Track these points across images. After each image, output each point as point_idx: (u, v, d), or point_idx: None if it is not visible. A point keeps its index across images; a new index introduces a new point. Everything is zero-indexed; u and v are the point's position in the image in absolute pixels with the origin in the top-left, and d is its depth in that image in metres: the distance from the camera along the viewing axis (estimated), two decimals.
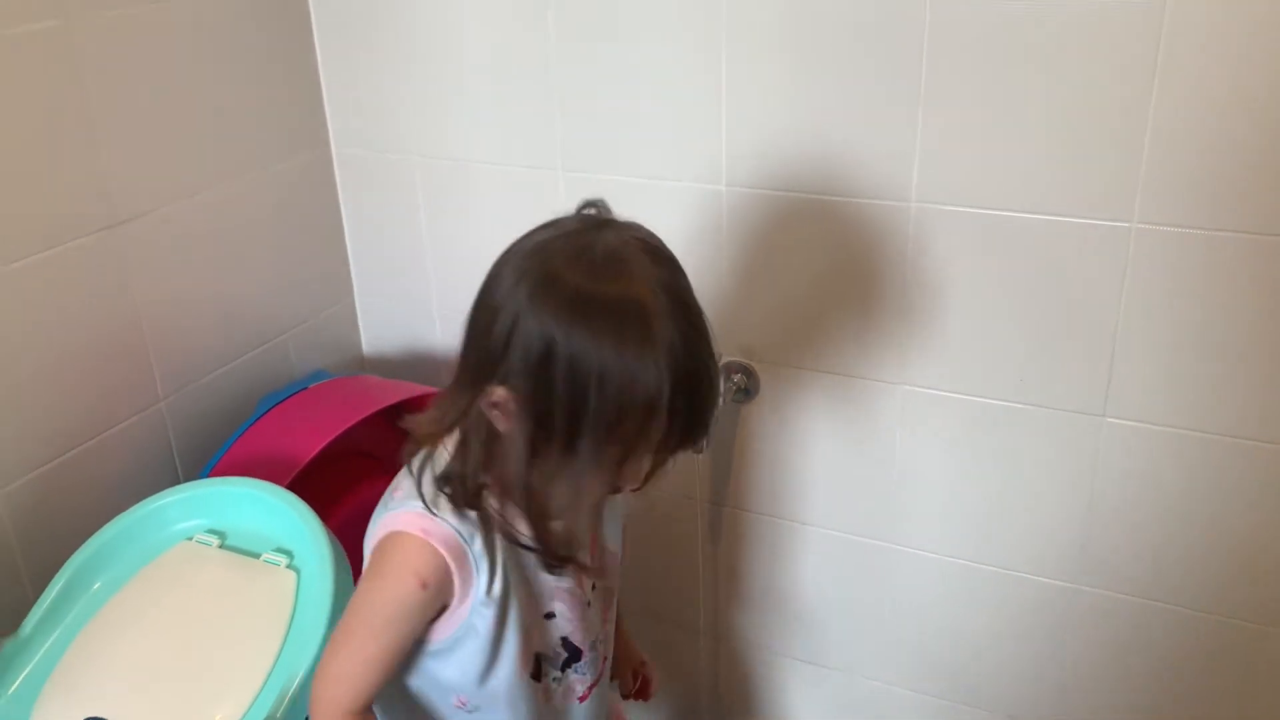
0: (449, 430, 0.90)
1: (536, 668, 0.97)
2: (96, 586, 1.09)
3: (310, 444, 1.19)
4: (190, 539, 1.11)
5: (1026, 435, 1.22)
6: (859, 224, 1.20)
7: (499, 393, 0.82)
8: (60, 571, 1.08)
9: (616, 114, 1.28)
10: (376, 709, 0.93)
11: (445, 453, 0.91)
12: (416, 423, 0.90)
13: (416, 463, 0.91)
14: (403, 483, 0.92)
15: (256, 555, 1.08)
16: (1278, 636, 1.19)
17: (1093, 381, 1.16)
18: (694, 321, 0.83)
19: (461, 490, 0.89)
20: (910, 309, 1.22)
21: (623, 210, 1.33)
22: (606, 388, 0.79)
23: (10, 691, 1.01)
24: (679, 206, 1.29)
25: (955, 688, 1.42)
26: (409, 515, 0.88)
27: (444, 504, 0.88)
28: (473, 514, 0.89)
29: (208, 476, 1.25)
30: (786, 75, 1.17)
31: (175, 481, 1.30)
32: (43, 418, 1.15)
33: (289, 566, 1.06)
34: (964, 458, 1.27)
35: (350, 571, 1.04)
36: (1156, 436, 1.16)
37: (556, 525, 0.90)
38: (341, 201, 1.52)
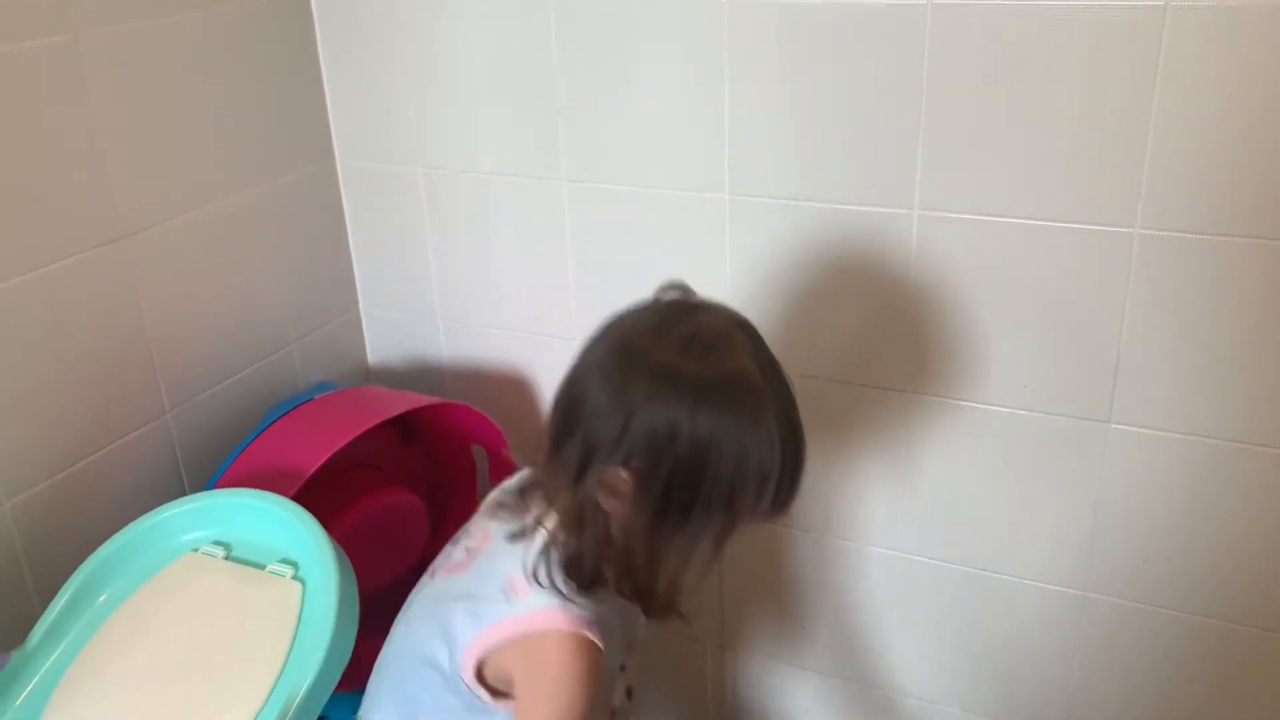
0: (564, 510, 0.93)
1: None
2: (102, 598, 1.09)
3: (315, 455, 1.19)
4: (196, 550, 1.11)
5: (1031, 442, 1.22)
6: (862, 231, 1.20)
7: (618, 476, 0.86)
8: (66, 583, 1.08)
9: (620, 124, 1.28)
10: None
11: (541, 535, 0.94)
12: (525, 515, 0.95)
13: (532, 556, 0.94)
14: (516, 573, 0.94)
15: (262, 566, 1.08)
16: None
17: (1097, 388, 1.16)
18: (789, 391, 0.90)
19: (583, 572, 0.92)
20: (913, 316, 1.22)
21: (626, 219, 1.34)
22: (726, 462, 0.84)
23: (17, 704, 1.01)
24: (683, 216, 1.29)
25: (962, 696, 1.41)
26: (556, 614, 0.91)
27: (574, 591, 0.92)
28: (598, 590, 0.93)
29: (213, 488, 1.25)
30: (788, 83, 1.18)
31: (181, 493, 1.30)
32: (49, 430, 1.16)
33: (294, 578, 1.06)
34: (968, 465, 1.27)
35: (355, 582, 1.04)
36: (1162, 442, 1.16)
37: (665, 585, 0.92)
38: (346, 213, 1.53)
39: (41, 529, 1.16)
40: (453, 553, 1.07)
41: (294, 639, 1.02)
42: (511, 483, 1.08)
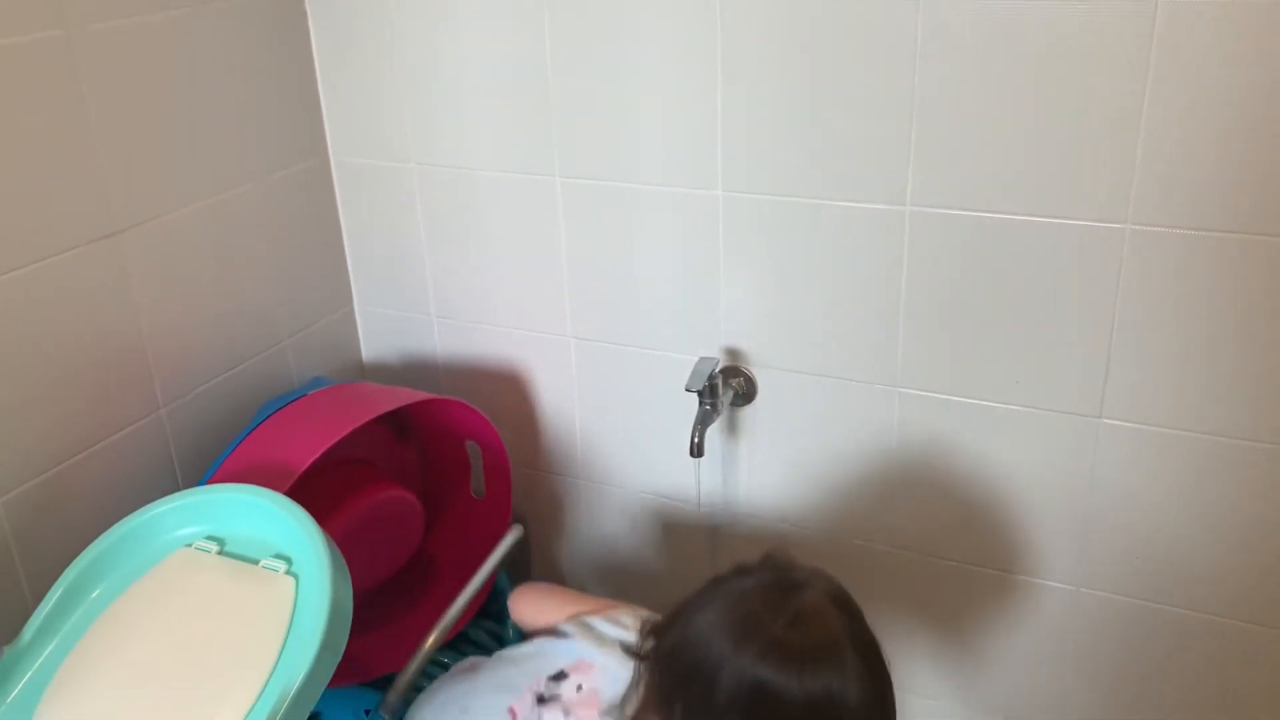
0: None
1: None
2: (96, 593, 1.09)
3: (309, 451, 1.19)
4: (189, 545, 1.11)
5: (1022, 437, 1.22)
6: (854, 228, 1.21)
7: None
8: (60, 579, 1.08)
9: (613, 120, 1.28)
10: None
11: None
12: None
13: None
14: None
15: (255, 562, 1.08)
16: (1276, 637, 1.19)
17: (1088, 383, 1.17)
18: (880, 667, 0.91)
19: None
20: (905, 312, 1.22)
21: (619, 215, 1.34)
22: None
23: (10, 699, 1.01)
24: (676, 212, 1.29)
25: (954, 690, 1.42)
26: None
27: None
28: None
29: (207, 484, 1.25)
30: (781, 80, 1.18)
31: (175, 488, 1.30)
32: (43, 425, 1.16)
33: (287, 572, 1.06)
34: (961, 460, 1.27)
35: (349, 577, 1.04)
36: (1152, 437, 1.16)
37: None
38: (340, 209, 1.53)
39: (35, 524, 1.16)
40: None
41: (287, 634, 1.02)
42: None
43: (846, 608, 0.93)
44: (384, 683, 1.36)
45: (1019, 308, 1.17)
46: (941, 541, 1.33)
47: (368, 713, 1.32)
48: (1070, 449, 1.21)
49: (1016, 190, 1.12)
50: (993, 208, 1.13)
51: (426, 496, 1.44)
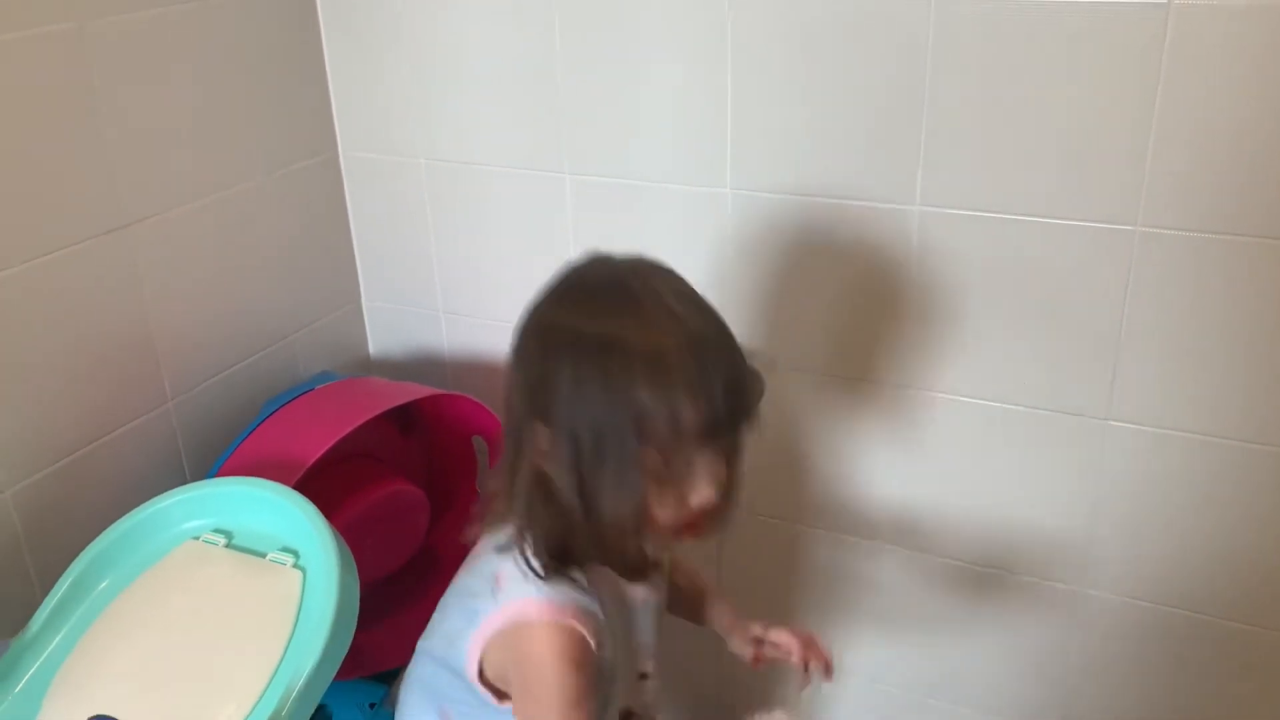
0: (514, 495, 0.92)
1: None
2: (103, 585, 1.09)
3: (316, 445, 1.19)
4: (197, 538, 1.12)
5: (1031, 438, 1.22)
6: (863, 228, 1.21)
7: (540, 436, 0.87)
8: (67, 570, 1.08)
9: (622, 117, 1.28)
10: None
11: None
12: (488, 502, 0.95)
13: (505, 541, 0.94)
14: (501, 568, 0.94)
15: (262, 555, 1.09)
16: None
17: (1096, 385, 1.17)
18: (698, 317, 0.88)
19: (550, 550, 0.92)
20: (914, 313, 1.22)
21: (628, 212, 1.34)
22: (619, 397, 0.83)
23: (17, 690, 1.02)
24: (683, 210, 1.29)
25: (961, 692, 1.42)
26: (535, 604, 0.91)
27: (553, 576, 0.92)
28: (580, 575, 0.93)
29: (215, 476, 1.25)
30: (790, 78, 1.18)
31: (182, 481, 1.31)
32: (51, 417, 1.16)
33: (295, 566, 1.07)
34: (970, 461, 1.27)
35: (355, 571, 1.04)
36: (1160, 440, 1.16)
37: (621, 535, 0.92)
38: (349, 204, 1.53)
39: (43, 516, 1.16)
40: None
41: (294, 627, 1.02)
42: None
43: (644, 273, 0.91)
44: (389, 676, 1.37)
45: (1026, 309, 1.17)
46: (943, 541, 1.33)
47: (372, 706, 1.32)
48: (1077, 451, 1.20)
49: (1026, 191, 1.12)
50: (1002, 209, 1.13)
51: (432, 491, 1.44)
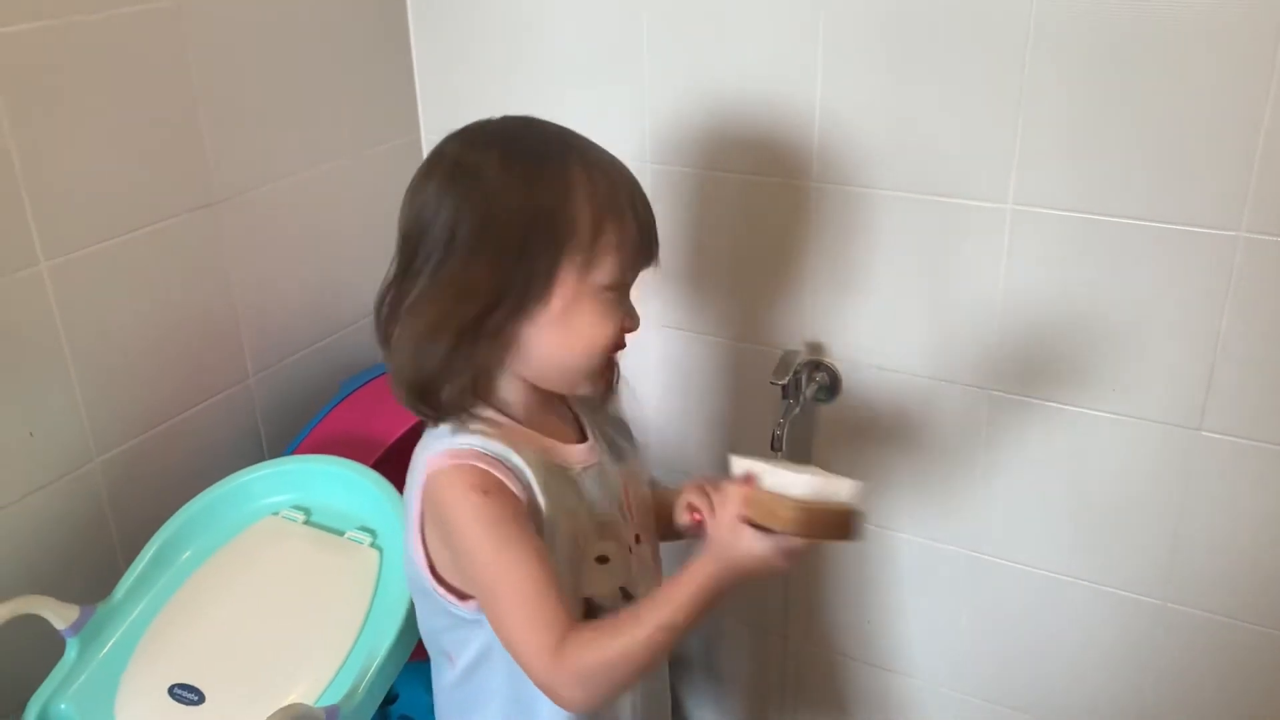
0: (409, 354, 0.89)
1: (589, 613, 0.92)
2: (185, 556, 1.11)
3: (395, 425, 1.20)
4: (276, 514, 1.13)
5: (1118, 446, 1.19)
6: (951, 223, 1.18)
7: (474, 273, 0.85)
8: (151, 540, 1.10)
9: (706, 107, 1.27)
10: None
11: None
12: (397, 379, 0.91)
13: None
14: (415, 461, 0.92)
15: (340, 533, 1.10)
16: None
17: (1190, 393, 1.13)
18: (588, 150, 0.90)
19: (460, 402, 0.88)
20: (1002, 313, 1.20)
21: (712, 204, 1.32)
22: (497, 212, 0.85)
23: (102, 655, 1.04)
24: (767, 201, 1.28)
25: (1032, 702, 1.39)
26: (434, 458, 0.88)
27: (464, 432, 0.89)
28: (492, 431, 0.89)
29: (293, 453, 1.27)
30: (884, 70, 1.16)
31: (260, 457, 1.32)
32: (139, 389, 1.18)
33: (372, 545, 1.08)
34: (1053, 467, 1.24)
35: None
36: (1252, 452, 1.13)
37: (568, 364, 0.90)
38: None
39: (127, 486, 1.18)
40: None
41: (370, 606, 1.03)
42: None
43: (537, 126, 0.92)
44: None
45: (1120, 313, 1.13)
46: (1019, 549, 1.31)
47: None
48: (1165, 460, 1.17)
49: (1124, 192, 1.08)
50: (1098, 209, 1.10)
51: None
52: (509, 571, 0.83)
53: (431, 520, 0.89)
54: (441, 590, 0.90)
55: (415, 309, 0.88)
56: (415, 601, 0.97)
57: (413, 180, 0.91)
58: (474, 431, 0.89)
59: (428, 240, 0.87)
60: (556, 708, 0.86)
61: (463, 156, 0.89)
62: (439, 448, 0.88)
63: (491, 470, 0.86)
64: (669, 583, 0.85)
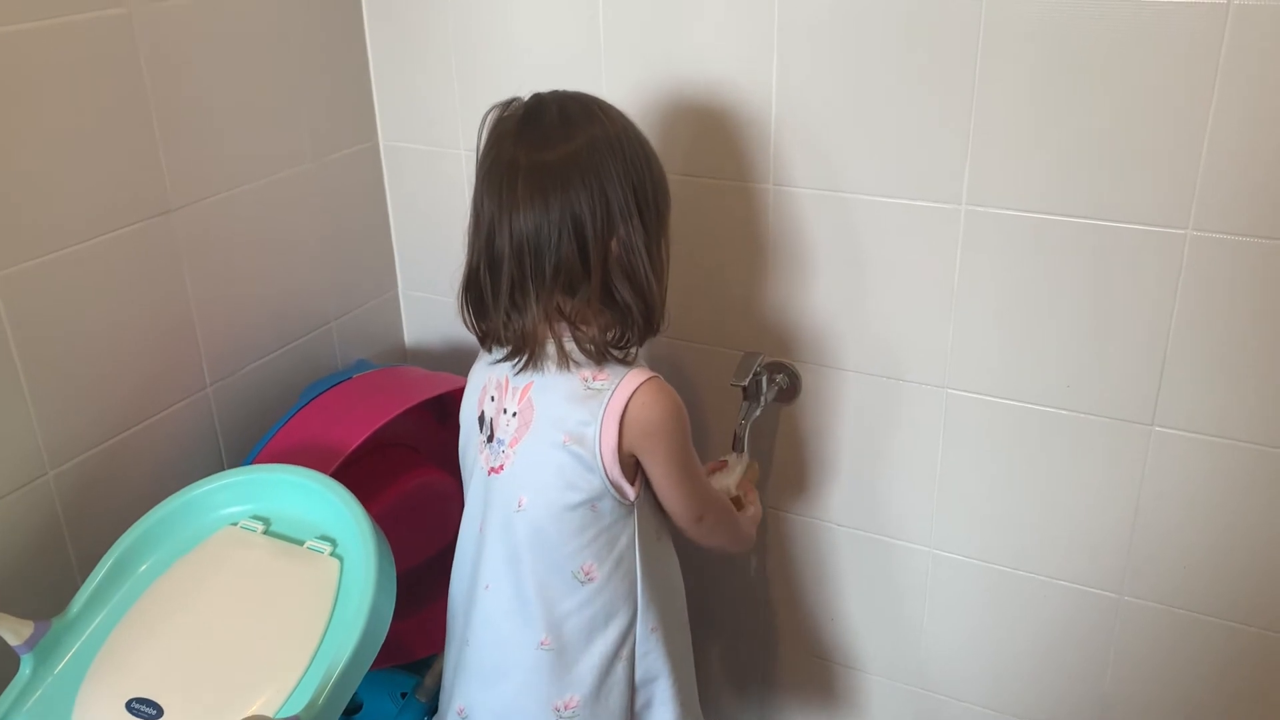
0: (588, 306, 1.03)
1: None
2: (142, 569, 1.10)
3: (354, 434, 1.20)
4: (235, 524, 1.12)
5: (1072, 442, 1.21)
6: (907, 225, 1.20)
7: (613, 243, 1.01)
8: (107, 553, 1.09)
9: (665, 108, 1.28)
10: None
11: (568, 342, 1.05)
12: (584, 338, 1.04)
13: (590, 348, 1.04)
14: (583, 374, 1.05)
15: (300, 543, 1.09)
16: None
17: (1142, 389, 1.15)
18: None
19: (626, 332, 1.05)
20: (958, 312, 1.21)
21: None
22: (658, 178, 1.06)
23: (57, 670, 1.02)
24: (728, 204, 1.28)
25: (994, 696, 1.41)
26: (632, 377, 1.04)
27: (639, 365, 1.07)
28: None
29: (252, 463, 1.26)
30: (835, 72, 1.17)
31: (219, 467, 1.31)
32: (93, 400, 1.17)
33: (332, 554, 1.07)
34: (1008, 463, 1.26)
35: (393, 560, 1.04)
36: (1205, 446, 1.15)
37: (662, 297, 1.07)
38: (388, 194, 1.53)
39: (82, 498, 1.17)
40: (490, 446, 1.13)
41: (331, 616, 1.02)
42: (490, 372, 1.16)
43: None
44: (420, 666, 1.37)
45: (1072, 311, 1.15)
46: (977, 545, 1.32)
47: (404, 695, 1.32)
48: (1119, 456, 1.19)
49: (1074, 192, 1.10)
50: (1049, 209, 1.12)
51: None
52: (698, 465, 1.12)
53: (640, 428, 1.03)
54: (618, 476, 1.05)
55: (639, 259, 1.02)
56: (554, 531, 1.07)
57: (536, 190, 1.02)
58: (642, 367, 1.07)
59: (611, 206, 1.00)
60: (658, 613, 1.12)
61: (576, 139, 1.02)
62: (640, 376, 1.04)
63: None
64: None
